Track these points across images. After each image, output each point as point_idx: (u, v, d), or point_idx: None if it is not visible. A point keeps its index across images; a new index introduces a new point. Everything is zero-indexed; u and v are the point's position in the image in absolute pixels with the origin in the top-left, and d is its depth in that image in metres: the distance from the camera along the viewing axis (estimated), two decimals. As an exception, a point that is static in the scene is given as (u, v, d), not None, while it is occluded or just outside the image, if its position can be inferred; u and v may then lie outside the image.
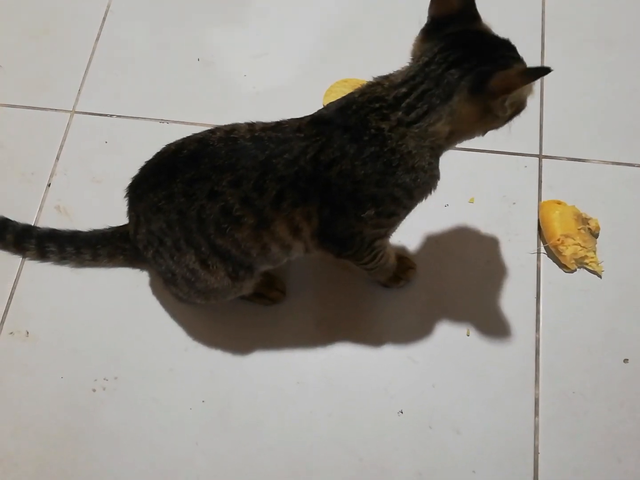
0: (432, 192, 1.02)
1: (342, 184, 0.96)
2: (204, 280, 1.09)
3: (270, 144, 0.97)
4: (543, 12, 1.51)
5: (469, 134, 0.98)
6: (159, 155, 1.08)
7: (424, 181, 0.97)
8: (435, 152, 0.97)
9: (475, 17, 0.93)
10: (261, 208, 0.97)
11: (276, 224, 0.99)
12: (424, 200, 1.03)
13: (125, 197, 1.12)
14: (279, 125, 1.00)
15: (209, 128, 1.38)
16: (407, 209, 1.03)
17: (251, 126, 1.01)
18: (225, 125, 1.03)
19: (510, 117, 0.95)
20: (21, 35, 1.57)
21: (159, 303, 1.27)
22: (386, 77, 0.96)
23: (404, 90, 0.92)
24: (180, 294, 1.19)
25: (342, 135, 0.94)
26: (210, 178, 0.98)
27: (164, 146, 1.08)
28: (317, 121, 0.97)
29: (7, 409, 1.21)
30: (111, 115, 1.46)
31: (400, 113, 0.92)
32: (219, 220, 0.99)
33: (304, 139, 0.96)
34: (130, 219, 1.14)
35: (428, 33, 0.93)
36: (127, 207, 1.13)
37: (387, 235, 1.10)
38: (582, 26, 1.49)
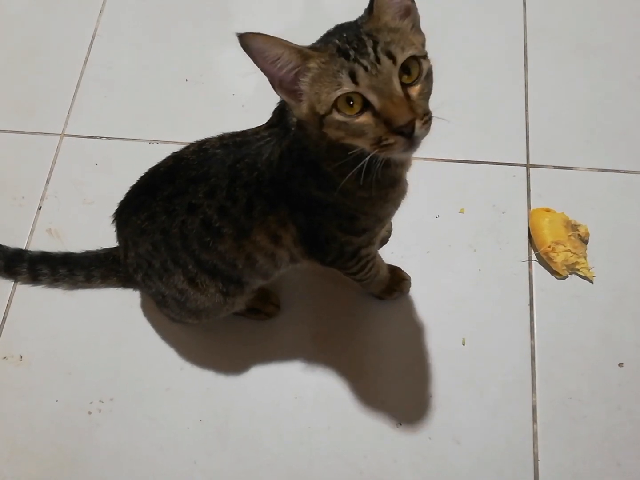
0: (395, 196, 0.95)
1: (293, 187, 0.93)
2: (193, 300, 1.09)
3: (234, 148, 0.96)
4: (524, 24, 1.54)
5: (340, 138, 0.82)
6: (140, 178, 1.08)
7: (352, 185, 0.88)
8: (332, 153, 0.86)
9: (370, 10, 0.80)
10: (237, 217, 0.96)
11: (255, 233, 0.98)
12: (392, 207, 0.98)
13: (112, 223, 1.12)
14: (243, 132, 0.99)
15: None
16: (368, 215, 0.97)
17: (221, 136, 1.01)
18: (198, 140, 1.04)
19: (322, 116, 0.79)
20: (8, 58, 1.58)
21: (153, 323, 1.27)
22: None
23: None
24: (172, 314, 1.19)
25: (284, 136, 0.91)
26: (187, 191, 0.98)
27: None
28: (270, 123, 0.96)
29: (2, 433, 1.20)
30: (101, 137, 1.47)
31: None
32: (201, 233, 0.99)
33: (259, 140, 0.95)
34: (119, 243, 1.15)
35: None
36: (115, 233, 1.13)
37: (369, 243, 1.05)
38: (563, 36, 1.52)
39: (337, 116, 0.77)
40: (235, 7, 1.62)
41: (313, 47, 0.79)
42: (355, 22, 0.81)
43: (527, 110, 1.43)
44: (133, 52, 1.58)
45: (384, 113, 0.76)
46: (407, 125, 0.76)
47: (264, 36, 0.75)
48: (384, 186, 0.92)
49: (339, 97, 0.76)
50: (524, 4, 1.56)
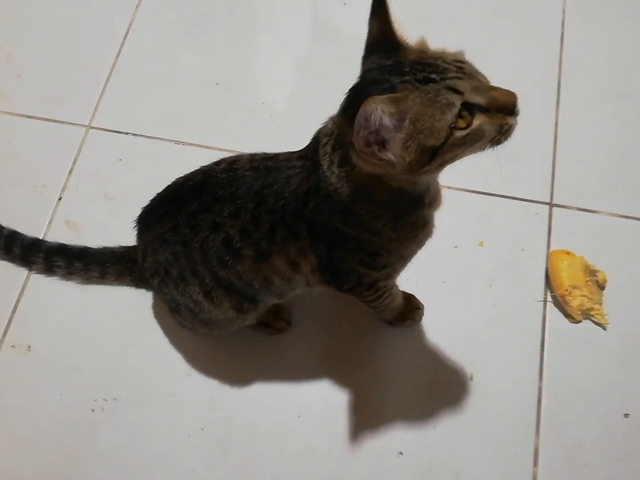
0: (422, 238, 0.96)
1: (317, 220, 0.93)
2: (207, 312, 1.09)
3: (264, 172, 0.96)
4: (560, 60, 1.53)
5: (393, 179, 0.85)
6: (167, 188, 1.09)
7: (384, 226, 0.90)
8: (374, 196, 0.88)
9: (398, 46, 0.82)
10: (258, 241, 0.96)
11: (274, 258, 0.98)
12: (416, 247, 0.98)
13: (134, 227, 1.12)
14: (275, 156, 0.99)
15: (222, 152, 1.42)
16: (392, 253, 0.97)
17: (253, 156, 1.01)
18: (229, 157, 1.04)
19: (426, 160, 0.79)
20: (42, 46, 1.57)
21: (163, 326, 1.27)
22: None
23: (332, 129, 0.89)
24: (184, 322, 1.19)
25: (314, 172, 0.91)
26: (212, 209, 0.98)
27: (174, 179, 1.09)
28: (303, 155, 0.95)
29: (3, 423, 1.20)
30: (127, 133, 1.46)
31: (330, 153, 0.88)
32: (221, 252, 0.99)
33: (290, 169, 0.94)
34: (139, 247, 1.15)
35: (362, 62, 0.86)
36: (136, 235, 1.14)
37: (389, 277, 1.07)
38: (598, 76, 1.51)
39: (459, 133, 0.77)
40: (272, 16, 1.61)
41: (396, 95, 0.76)
42: (389, 63, 0.80)
43: (555, 148, 1.42)
44: (166, 51, 1.57)
45: (494, 103, 0.77)
46: (516, 102, 0.78)
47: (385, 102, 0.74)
48: (415, 228, 0.92)
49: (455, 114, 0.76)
50: (562, 39, 1.56)
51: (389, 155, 0.77)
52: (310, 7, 1.62)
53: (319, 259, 0.98)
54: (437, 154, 0.78)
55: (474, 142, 0.79)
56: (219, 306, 1.07)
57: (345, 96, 0.84)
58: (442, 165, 0.81)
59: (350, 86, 0.84)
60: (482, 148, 0.80)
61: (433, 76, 0.76)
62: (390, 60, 0.80)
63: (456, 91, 0.76)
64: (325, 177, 0.89)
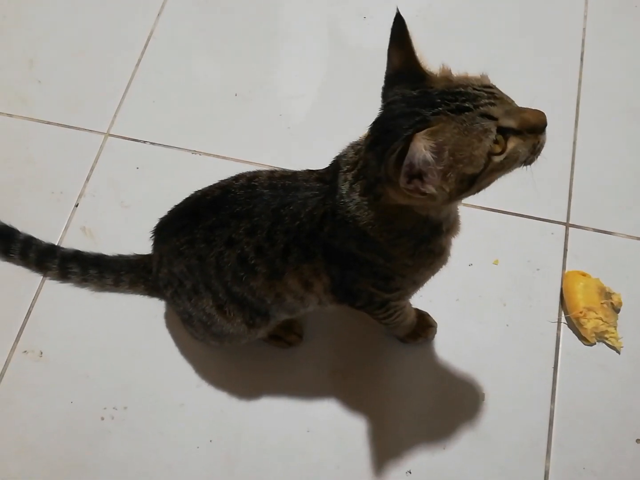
0: (438, 264, 0.96)
1: (332, 243, 0.93)
2: (219, 325, 1.09)
3: (281, 192, 0.96)
4: (580, 79, 1.52)
5: (424, 208, 0.85)
6: (185, 201, 1.09)
7: (401, 254, 0.90)
8: (395, 225, 0.87)
9: (423, 76, 0.81)
10: (272, 259, 0.96)
11: (287, 277, 0.98)
12: (430, 273, 0.98)
13: (151, 237, 1.13)
14: (294, 174, 0.99)
15: (239, 163, 1.42)
16: (405, 278, 0.97)
17: (272, 174, 1.01)
18: (248, 172, 1.04)
19: (465, 188, 0.79)
20: (62, 52, 1.59)
21: (175, 336, 1.27)
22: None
23: (354, 159, 0.89)
24: (196, 334, 1.19)
25: (331, 196, 0.91)
26: (229, 225, 0.98)
27: (193, 192, 1.09)
28: (322, 177, 0.95)
29: (13, 428, 1.20)
30: (145, 142, 1.47)
31: (351, 181, 0.88)
32: (236, 268, 0.99)
33: (307, 190, 0.94)
34: (154, 257, 1.15)
35: (383, 94, 0.85)
36: (152, 246, 1.14)
37: (400, 299, 1.06)
38: (617, 97, 1.50)
39: (497, 159, 0.77)
40: (293, 28, 1.61)
41: (433, 128, 0.74)
42: (415, 94, 0.79)
43: (572, 168, 1.42)
44: (186, 60, 1.58)
45: (525, 125, 0.78)
46: (546, 121, 0.79)
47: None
48: (432, 255, 0.92)
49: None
50: (582, 58, 1.55)
51: (431, 189, 0.76)
52: (330, 20, 1.62)
53: (332, 280, 0.98)
54: (476, 180, 0.78)
55: (510, 165, 0.79)
56: (231, 320, 1.07)
57: (370, 130, 0.84)
58: (479, 190, 0.81)
59: (374, 119, 0.84)
60: (515, 168, 0.81)
61: (467, 105, 0.76)
62: (416, 92, 0.79)
63: (490, 117, 0.76)
64: (343, 204, 0.88)
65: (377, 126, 0.83)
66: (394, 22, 0.82)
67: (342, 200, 0.88)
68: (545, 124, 0.79)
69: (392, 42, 0.82)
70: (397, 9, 0.82)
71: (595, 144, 1.44)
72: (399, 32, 0.81)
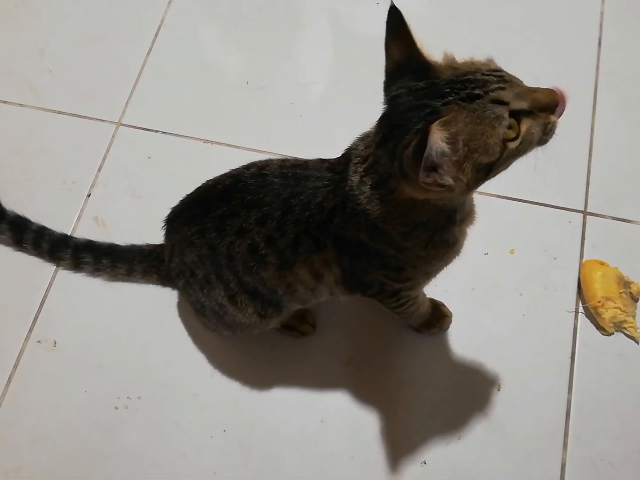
0: (451, 255, 0.94)
1: (342, 235, 0.92)
2: (232, 315, 1.09)
3: (292, 181, 0.94)
4: (597, 64, 1.50)
5: (439, 200, 0.83)
6: (197, 190, 1.08)
7: (414, 245, 0.89)
8: (409, 218, 0.86)
9: (427, 67, 0.79)
10: (283, 249, 0.95)
11: (297, 268, 0.97)
12: (443, 264, 0.97)
13: (162, 227, 1.12)
14: (305, 163, 0.97)
15: (251, 152, 1.41)
16: (417, 269, 0.96)
17: (283, 162, 0.99)
18: (260, 161, 1.02)
19: (482, 177, 0.78)
20: (74, 41, 1.57)
21: (187, 325, 1.27)
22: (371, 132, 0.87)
23: (364, 153, 0.87)
24: (209, 324, 1.19)
25: (341, 187, 0.89)
26: (240, 214, 0.97)
27: (204, 181, 1.08)
28: (333, 167, 0.93)
29: (27, 418, 1.20)
30: (156, 131, 1.46)
31: (362, 173, 0.86)
32: (247, 257, 0.98)
33: (318, 179, 0.92)
34: (166, 247, 1.15)
35: (385, 89, 0.83)
36: (164, 235, 1.13)
37: (411, 289, 1.05)
38: (636, 81, 1.47)
39: (512, 144, 0.76)
40: (305, 15, 1.60)
41: (445, 119, 0.72)
42: (421, 86, 0.77)
43: (590, 156, 1.39)
44: (197, 49, 1.57)
45: (537, 105, 0.76)
46: (558, 99, 0.77)
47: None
48: (446, 245, 0.91)
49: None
50: (599, 43, 1.52)
51: (449, 180, 0.74)
52: (342, 6, 1.60)
53: (343, 271, 0.96)
54: (493, 168, 0.76)
55: (525, 148, 0.78)
56: (243, 311, 1.06)
57: (378, 126, 0.82)
58: (496, 176, 0.79)
59: (381, 114, 0.82)
60: (530, 150, 0.79)
61: (477, 92, 0.74)
62: (422, 83, 0.77)
63: (501, 102, 0.74)
64: (353, 196, 0.87)
65: (385, 122, 0.81)
66: (389, 15, 0.79)
67: (353, 192, 0.87)
68: (556, 102, 0.77)
69: (390, 36, 0.80)
70: (392, 1, 0.80)
71: (613, 131, 1.42)
72: (396, 24, 0.79)
